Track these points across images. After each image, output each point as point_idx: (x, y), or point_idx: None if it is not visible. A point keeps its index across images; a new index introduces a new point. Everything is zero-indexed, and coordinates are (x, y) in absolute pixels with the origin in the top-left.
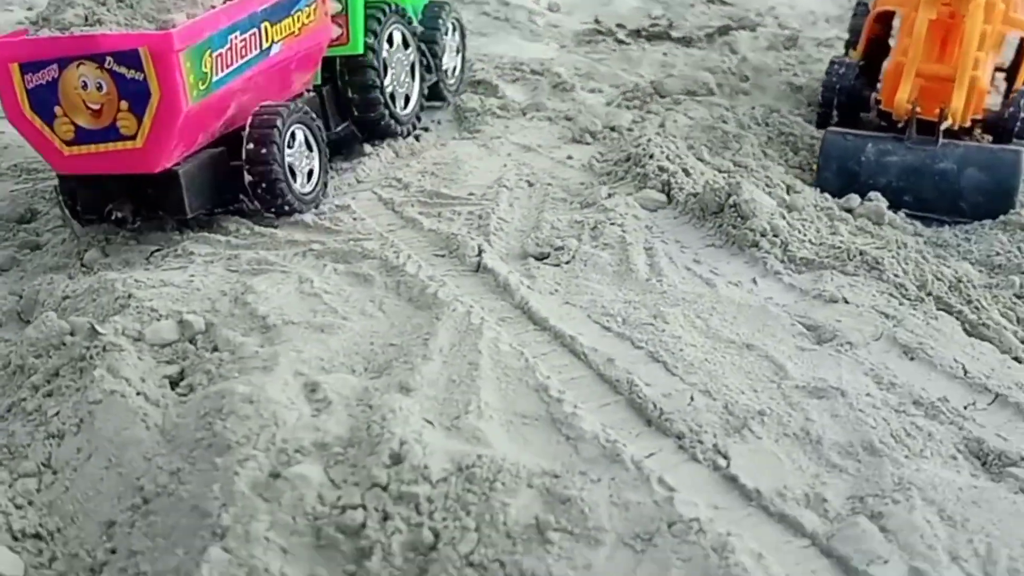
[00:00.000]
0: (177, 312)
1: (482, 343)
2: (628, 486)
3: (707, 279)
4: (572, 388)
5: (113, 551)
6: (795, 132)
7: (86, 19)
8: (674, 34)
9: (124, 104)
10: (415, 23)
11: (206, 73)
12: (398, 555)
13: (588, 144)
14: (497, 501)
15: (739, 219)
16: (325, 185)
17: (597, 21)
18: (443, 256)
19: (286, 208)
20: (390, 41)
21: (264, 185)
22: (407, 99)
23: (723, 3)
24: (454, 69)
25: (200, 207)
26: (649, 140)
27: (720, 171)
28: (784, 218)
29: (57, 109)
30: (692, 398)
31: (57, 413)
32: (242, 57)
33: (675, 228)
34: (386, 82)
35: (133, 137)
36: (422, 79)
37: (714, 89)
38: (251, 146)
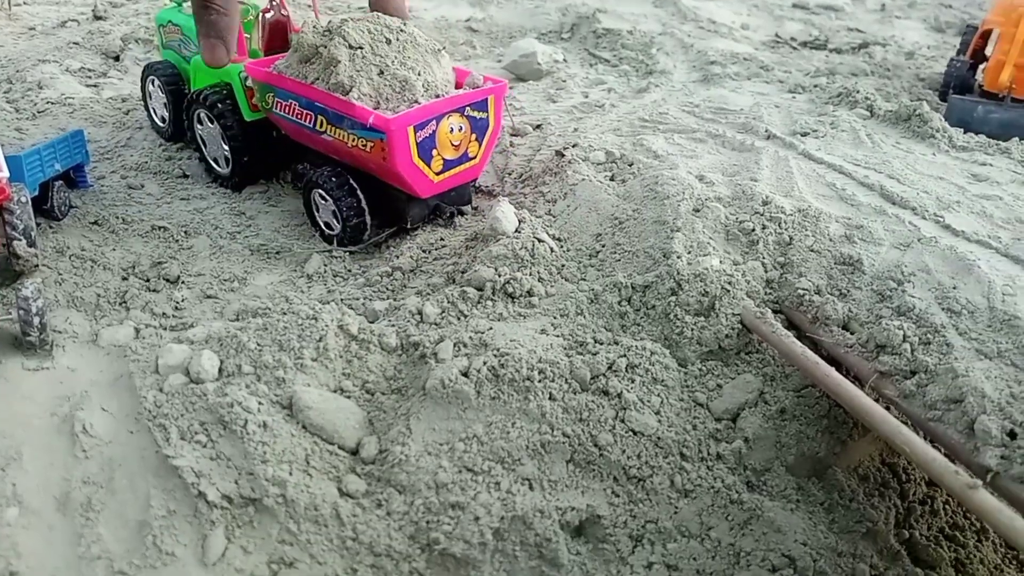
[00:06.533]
0: (602, 147)
1: (791, 164)
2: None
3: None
4: (850, 187)
5: (603, 245)
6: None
7: (425, 86)
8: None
9: (473, 136)
10: None
11: None
12: (772, 245)
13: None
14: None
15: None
16: None
17: None
18: (743, 133)
19: None
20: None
21: None
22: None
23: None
24: None
25: None
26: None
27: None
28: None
29: (434, 152)
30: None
31: (548, 190)
32: None
33: (882, 128)
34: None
35: (475, 158)
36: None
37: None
38: None
